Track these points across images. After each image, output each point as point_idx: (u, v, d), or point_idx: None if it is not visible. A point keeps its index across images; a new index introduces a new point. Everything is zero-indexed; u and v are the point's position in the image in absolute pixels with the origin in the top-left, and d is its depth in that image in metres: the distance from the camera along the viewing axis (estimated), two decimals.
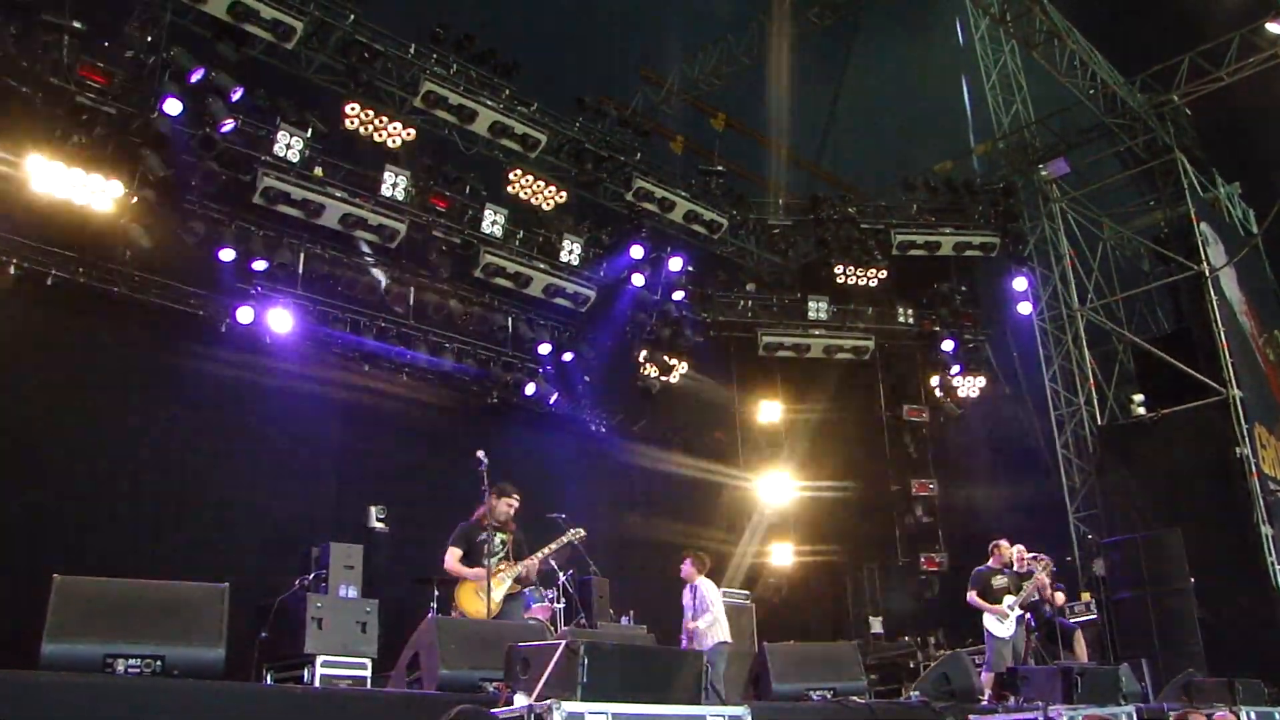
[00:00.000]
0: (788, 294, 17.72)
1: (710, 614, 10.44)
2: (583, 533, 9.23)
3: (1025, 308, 17.51)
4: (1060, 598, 11.75)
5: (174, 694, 5.10)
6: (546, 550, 8.86)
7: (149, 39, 11.11)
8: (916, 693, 9.47)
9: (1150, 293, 18.10)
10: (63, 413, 10.51)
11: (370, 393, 13.27)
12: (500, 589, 8.32)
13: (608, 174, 15.14)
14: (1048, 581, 11.41)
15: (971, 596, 11.08)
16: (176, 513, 11.01)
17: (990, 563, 11.30)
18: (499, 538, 8.40)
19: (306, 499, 12.08)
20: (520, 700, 4.83)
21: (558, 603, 11.01)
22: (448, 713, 4.60)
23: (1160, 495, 14.78)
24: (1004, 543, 11.45)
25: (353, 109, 12.49)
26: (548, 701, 4.60)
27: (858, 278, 17.30)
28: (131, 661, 5.23)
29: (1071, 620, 12.98)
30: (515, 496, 8.62)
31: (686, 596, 10.70)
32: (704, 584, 10.63)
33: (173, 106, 10.81)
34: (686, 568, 10.70)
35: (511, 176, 14.05)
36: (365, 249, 13.35)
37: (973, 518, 16.79)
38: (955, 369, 17.53)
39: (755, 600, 14.30)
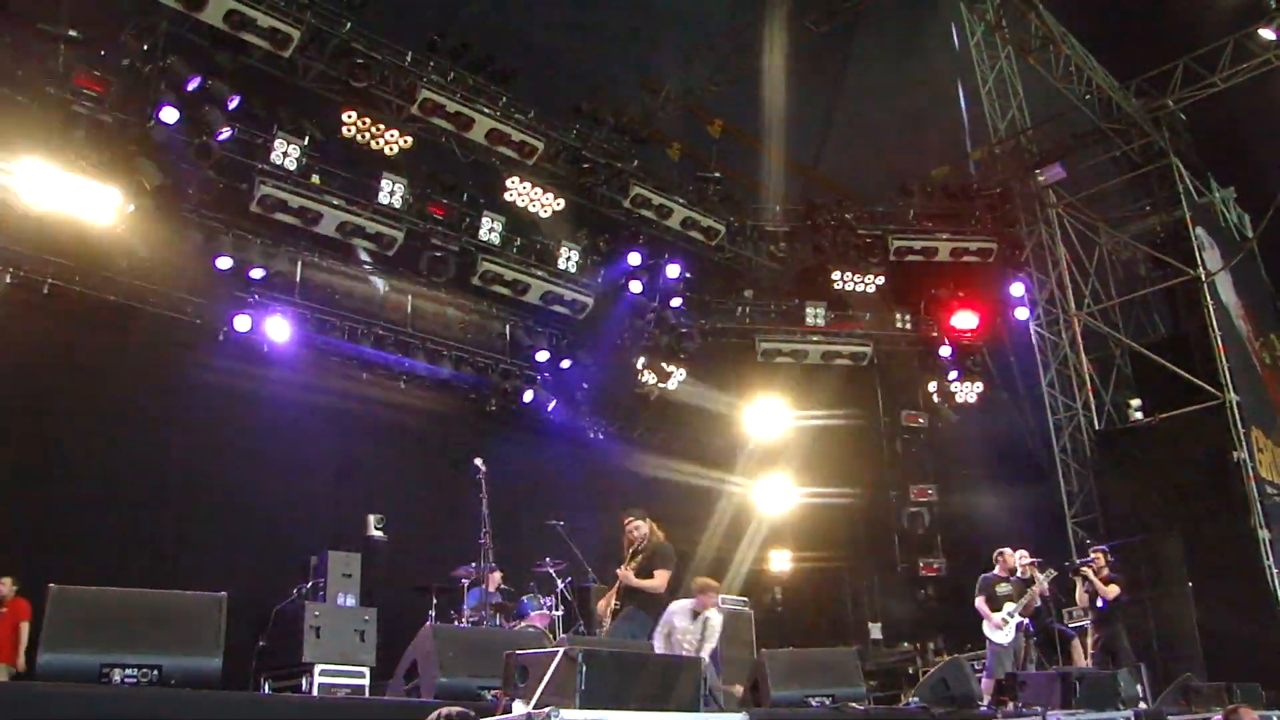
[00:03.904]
0: (785, 300, 17.73)
1: (711, 645, 9.50)
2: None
3: (1022, 313, 17.53)
4: (1114, 590, 11.37)
5: (171, 703, 5.08)
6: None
7: (145, 48, 11.10)
8: (915, 699, 9.44)
9: (1147, 297, 18.08)
10: (59, 421, 10.51)
11: (368, 401, 13.27)
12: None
13: (605, 181, 15.15)
14: (1048, 587, 11.43)
15: (978, 603, 11.14)
16: (174, 521, 11.01)
17: (996, 570, 11.36)
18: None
19: (304, 507, 12.07)
20: (519, 708, 4.82)
21: (556, 610, 10.99)
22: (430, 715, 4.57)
23: (1158, 499, 14.77)
24: (1008, 551, 11.51)
25: (350, 117, 12.51)
26: (546, 709, 4.58)
27: (855, 283, 17.34)
28: (128, 671, 5.21)
29: (1070, 626, 12.99)
30: (625, 519, 8.39)
31: (686, 620, 9.29)
32: (714, 616, 9.55)
33: (169, 115, 10.81)
34: (707, 600, 9.41)
35: (509, 184, 14.08)
36: (363, 257, 13.36)
37: (971, 523, 16.78)
38: (953, 374, 17.53)
39: (754, 606, 14.27)
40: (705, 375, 17.12)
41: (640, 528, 8.25)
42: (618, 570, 8.15)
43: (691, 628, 9.15)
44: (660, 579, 7.93)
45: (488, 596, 10.32)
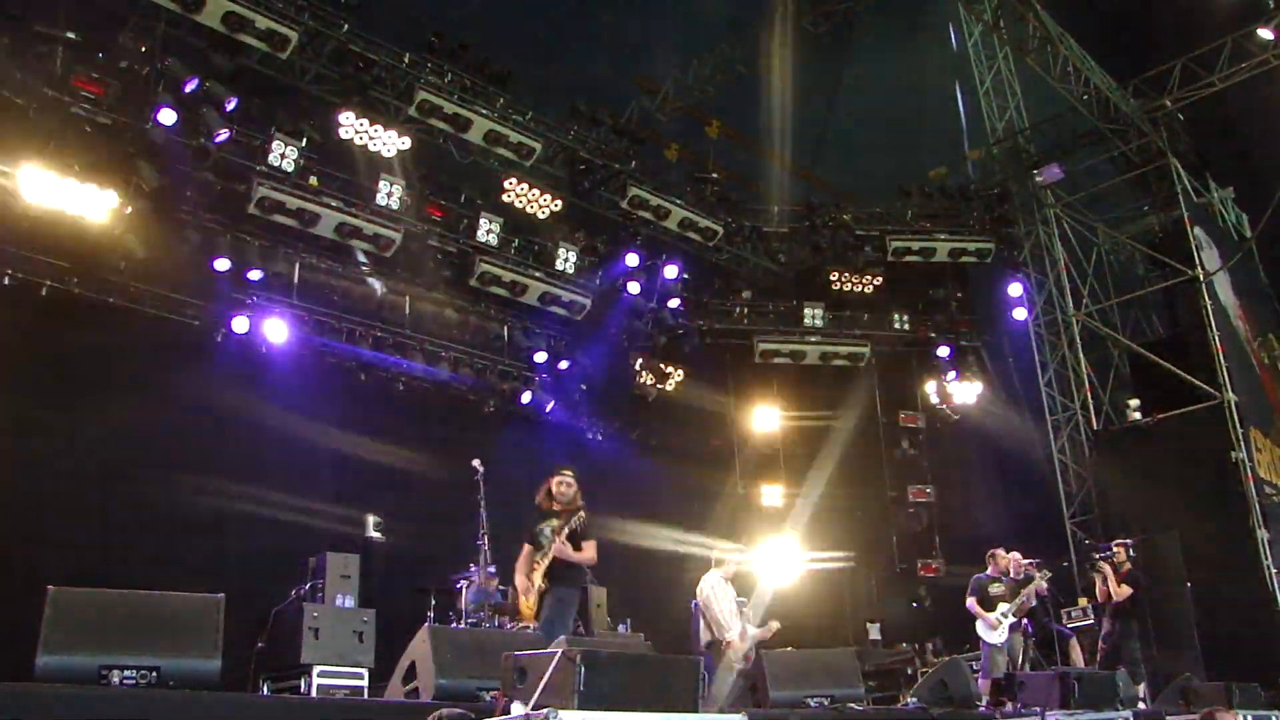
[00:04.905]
0: (783, 301, 17.73)
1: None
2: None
3: (1020, 313, 17.56)
4: (1126, 590, 11.36)
5: (170, 705, 5.08)
6: None
7: (143, 49, 11.10)
8: (914, 699, 9.45)
9: (1145, 297, 18.10)
10: (57, 424, 10.48)
11: (366, 402, 13.26)
12: (537, 575, 7.89)
13: (603, 182, 15.15)
14: (1045, 587, 11.44)
15: (970, 603, 11.17)
16: (172, 523, 10.98)
17: (989, 571, 11.38)
18: (548, 525, 7.91)
19: (302, 509, 12.04)
20: (517, 709, 4.82)
21: None
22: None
23: (1156, 500, 14.76)
24: (1000, 551, 11.55)
25: (347, 118, 12.50)
26: (544, 710, 4.58)
27: (853, 284, 17.35)
28: (127, 673, 5.21)
29: (1068, 626, 13.00)
30: (561, 471, 8.10)
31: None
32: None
33: (167, 117, 10.80)
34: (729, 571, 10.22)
35: (506, 185, 14.07)
36: (361, 258, 13.35)
37: (970, 524, 16.78)
38: (951, 375, 17.54)
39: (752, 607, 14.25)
40: (703, 376, 17.10)
41: (572, 487, 8.01)
42: (552, 544, 7.74)
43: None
44: (590, 550, 7.76)
45: (486, 597, 10.32)
